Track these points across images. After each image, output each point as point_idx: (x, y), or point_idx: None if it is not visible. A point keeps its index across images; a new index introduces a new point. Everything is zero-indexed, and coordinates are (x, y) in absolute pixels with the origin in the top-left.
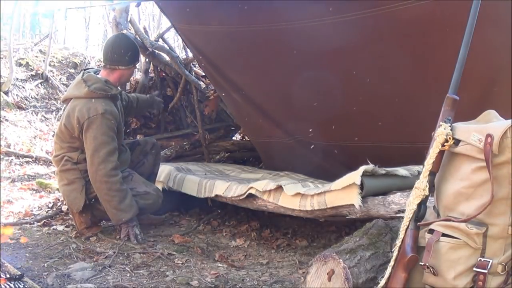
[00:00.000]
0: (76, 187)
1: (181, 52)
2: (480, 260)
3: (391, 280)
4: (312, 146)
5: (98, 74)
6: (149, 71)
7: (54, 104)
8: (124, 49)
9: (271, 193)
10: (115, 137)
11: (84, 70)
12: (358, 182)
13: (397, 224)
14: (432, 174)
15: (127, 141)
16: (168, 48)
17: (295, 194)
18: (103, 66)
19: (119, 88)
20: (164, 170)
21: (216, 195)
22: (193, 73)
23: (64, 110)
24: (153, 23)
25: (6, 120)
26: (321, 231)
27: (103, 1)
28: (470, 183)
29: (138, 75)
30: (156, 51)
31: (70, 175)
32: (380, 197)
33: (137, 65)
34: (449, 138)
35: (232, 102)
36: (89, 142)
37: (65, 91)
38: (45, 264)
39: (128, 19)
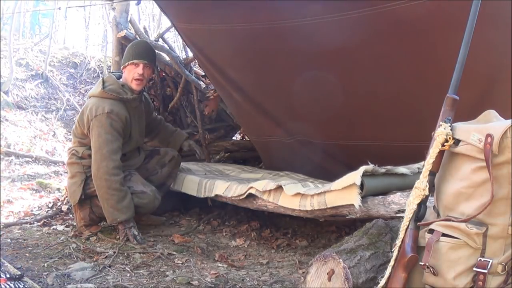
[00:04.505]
0: (76, 181)
1: (181, 52)
2: (480, 260)
3: (391, 280)
4: (312, 145)
5: (121, 78)
6: None
7: (54, 104)
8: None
9: (271, 193)
10: (120, 137)
11: (111, 72)
12: (358, 183)
13: (397, 224)
14: (432, 174)
15: (148, 148)
16: (168, 48)
17: (295, 194)
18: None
19: (135, 94)
20: None
21: (216, 195)
22: (193, 73)
23: None
24: (153, 23)
25: (6, 120)
26: (321, 231)
27: (103, 0)
28: (470, 183)
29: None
30: (156, 51)
31: (74, 168)
32: (380, 197)
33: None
34: (449, 138)
35: (232, 102)
36: (94, 140)
37: (66, 91)
38: (45, 264)
39: (128, 19)
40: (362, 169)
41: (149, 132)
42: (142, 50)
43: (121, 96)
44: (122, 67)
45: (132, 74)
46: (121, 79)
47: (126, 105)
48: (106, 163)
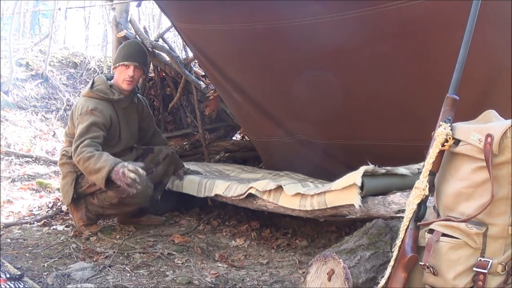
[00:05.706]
0: (68, 181)
1: (181, 52)
2: (480, 260)
3: (391, 280)
4: (312, 145)
5: (112, 79)
6: (149, 71)
7: (54, 104)
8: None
9: (271, 193)
10: (101, 131)
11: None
12: (359, 183)
13: (397, 224)
14: (432, 174)
15: (142, 147)
16: (168, 48)
17: (295, 194)
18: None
19: (123, 95)
20: None
21: (216, 195)
22: (193, 73)
23: None
24: (153, 23)
25: (6, 120)
26: (321, 231)
27: (103, 0)
28: (470, 183)
29: None
30: (156, 51)
31: (65, 169)
32: (380, 197)
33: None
34: (449, 138)
35: (232, 102)
36: (77, 133)
37: (66, 91)
38: (45, 264)
39: (128, 19)
40: (362, 169)
41: (139, 138)
42: (133, 52)
43: (107, 96)
44: (113, 67)
45: (123, 75)
46: (112, 80)
47: (113, 105)
48: (80, 143)
